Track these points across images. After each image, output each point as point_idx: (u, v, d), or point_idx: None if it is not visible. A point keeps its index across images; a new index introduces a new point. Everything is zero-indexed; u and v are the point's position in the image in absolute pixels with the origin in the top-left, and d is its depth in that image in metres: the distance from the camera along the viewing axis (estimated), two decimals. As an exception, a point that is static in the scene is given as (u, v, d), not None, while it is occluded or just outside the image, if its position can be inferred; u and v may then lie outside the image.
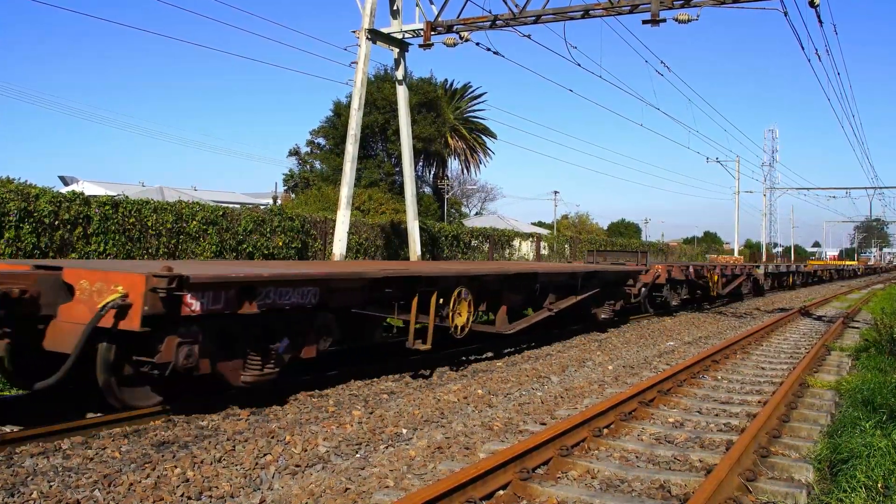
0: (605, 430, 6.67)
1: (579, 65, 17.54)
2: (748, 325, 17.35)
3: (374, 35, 17.46)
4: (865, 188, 64.87)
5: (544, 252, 34.69)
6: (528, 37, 16.66)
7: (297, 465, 5.64)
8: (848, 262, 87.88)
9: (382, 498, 4.88)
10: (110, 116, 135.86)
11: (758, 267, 29.96)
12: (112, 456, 5.70)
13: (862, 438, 5.91)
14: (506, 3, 16.00)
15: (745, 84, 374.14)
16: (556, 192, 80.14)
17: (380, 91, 41.40)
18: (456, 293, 9.58)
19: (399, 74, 18.77)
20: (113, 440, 6.08)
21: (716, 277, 22.92)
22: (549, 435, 5.86)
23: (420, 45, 17.48)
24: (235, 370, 6.94)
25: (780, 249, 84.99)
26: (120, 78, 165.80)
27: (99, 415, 6.66)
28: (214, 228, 15.66)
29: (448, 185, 55.54)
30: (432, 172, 55.06)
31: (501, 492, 5.07)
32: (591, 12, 15.21)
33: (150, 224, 14.21)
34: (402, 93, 18.93)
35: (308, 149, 51.15)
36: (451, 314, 9.52)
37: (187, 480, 5.20)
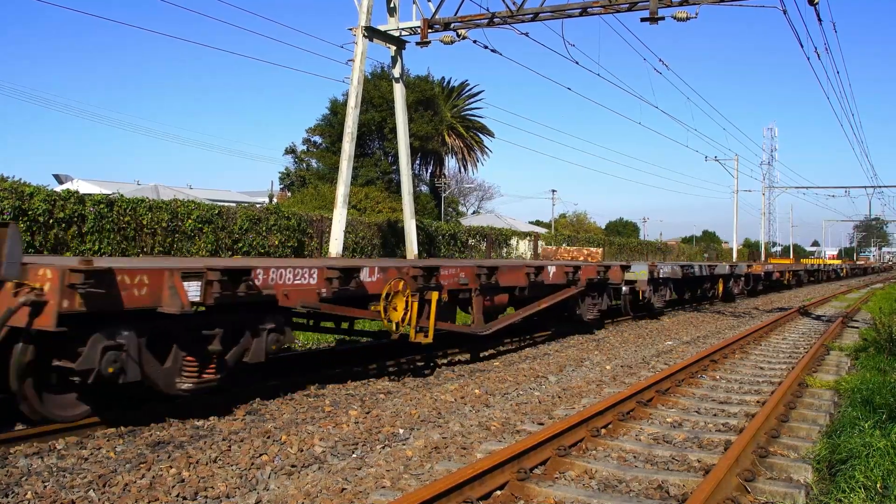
0: (603, 430, 6.64)
1: (577, 63, 17.56)
2: (747, 325, 17.34)
3: (371, 33, 17.41)
4: (865, 187, 63.22)
5: (542, 251, 34.70)
6: (526, 34, 16.66)
7: (294, 466, 5.61)
8: (828, 261, 71.43)
9: (379, 498, 4.85)
10: (105, 114, 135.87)
11: (629, 269, 15.94)
12: (107, 456, 5.67)
13: (861, 438, 5.89)
14: (503, 1, 15.99)
15: (744, 82, 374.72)
16: (553, 191, 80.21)
17: (377, 89, 41.37)
18: None
19: (396, 72, 18.73)
20: (108, 440, 6.04)
21: (401, 299, 8.52)
22: (547, 435, 5.82)
23: (417, 43, 17.46)
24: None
25: (779, 249, 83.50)
26: (115, 76, 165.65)
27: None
28: (210, 227, 15.62)
29: (445, 183, 55.53)
30: (429, 171, 55.07)
31: (499, 492, 5.04)
32: (589, 10, 15.19)
33: (145, 223, 14.17)
34: (399, 91, 18.89)
35: (304, 147, 51.15)
36: None
37: (183, 480, 5.17)
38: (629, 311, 17.51)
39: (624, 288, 16.06)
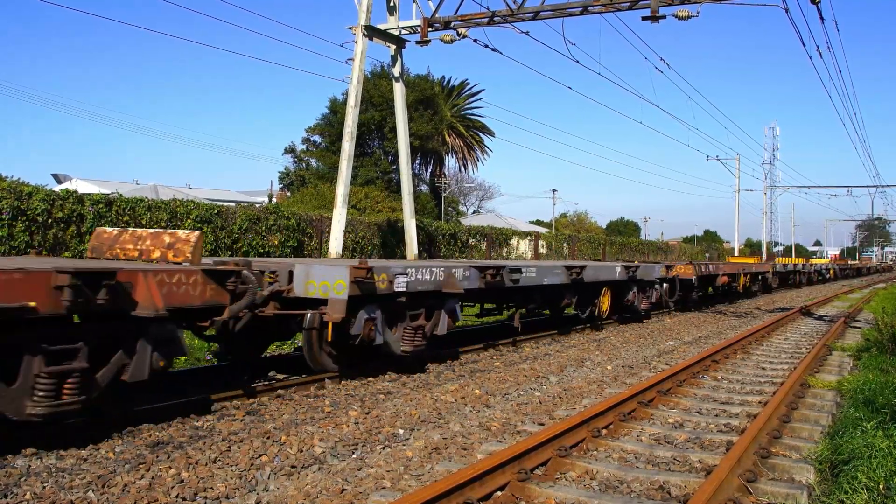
0: (604, 431, 6.61)
1: (578, 62, 17.51)
2: (749, 325, 17.30)
3: (371, 31, 17.39)
4: (867, 186, 62.07)
5: (542, 251, 34.69)
6: (527, 33, 16.60)
7: (293, 466, 5.58)
8: (816, 261, 55.04)
9: (379, 499, 4.82)
10: (104, 113, 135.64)
11: (228, 276, 6.94)
12: (106, 456, 5.65)
13: (863, 439, 5.86)
14: (504, 0, 15.94)
15: (745, 81, 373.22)
16: (554, 191, 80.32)
17: (376, 88, 41.31)
18: None
19: (396, 71, 18.70)
20: (107, 440, 6.01)
21: None
22: (548, 435, 5.80)
23: (417, 42, 17.42)
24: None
25: (780, 248, 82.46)
26: (114, 75, 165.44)
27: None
28: (209, 227, 15.59)
29: (445, 183, 55.49)
30: (429, 170, 55.03)
31: (499, 493, 5.02)
32: (589, 8, 15.15)
33: (144, 222, 14.14)
34: (398, 90, 18.85)
35: (304, 146, 51.03)
36: None
37: (182, 481, 5.15)
38: (323, 362, 8.63)
39: (309, 316, 8.14)
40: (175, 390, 7.65)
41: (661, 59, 22.39)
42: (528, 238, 34.30)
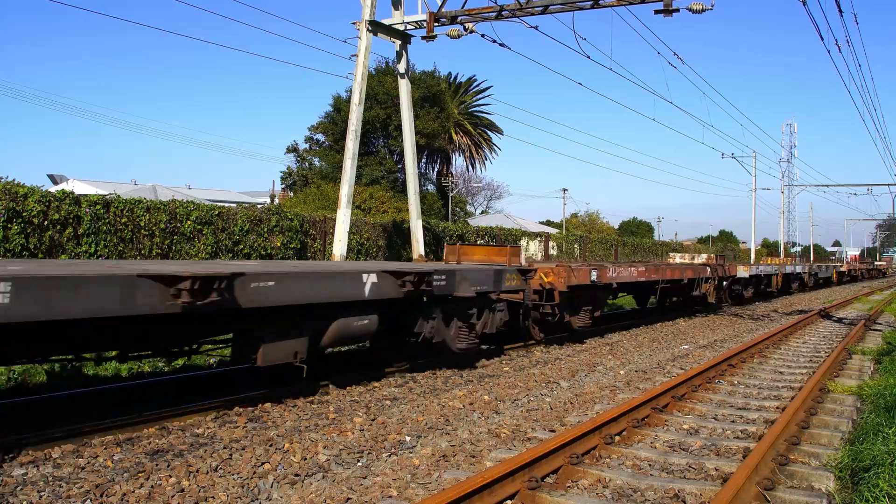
0: (617, 438, 6.53)
1: (589, 57, 17.19)
2: (765, 328, 17.09)
3: (375, 27, 17.21)
4: (888, 184, 60.51)
5: (553, 252, 34.48)
6: (536, 28, 16.36)
7: (297, 474, 5.50)
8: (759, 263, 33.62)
9: (385, 509, 4.71)
10: (101, 112, 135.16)
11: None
12: (104, 465, 5.56)
13: (885, 446, 5.82)
14: (512, -6, 15.71)
15: (762, 76, 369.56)
16: (564, 190, 79.26)
17: (381, 85, 41.07)
18: None
19: (401, 67, 18.52)
20: (105, 448, 5.91)
21: None
22: (559, 442, 5.72)
23: (423, 37, 17.22)
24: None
25: (798, 249, 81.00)
26: (111, 73, 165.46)
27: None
28: (210, 228, 15.44)
29: (452, 182, 55.34)
30: (436, 169, 54.83)
31: (509, 501, 4.96)
32: (600, 2, 14.91)
33: (142, 224, 13.99)
34: (404, 87, 18.67)
35: (307, 145, 50.79)
36: None
37: (182, 490, 5.06)
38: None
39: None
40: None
41: (675, 53, 22.19)
42: (538, 239, 34.12)
